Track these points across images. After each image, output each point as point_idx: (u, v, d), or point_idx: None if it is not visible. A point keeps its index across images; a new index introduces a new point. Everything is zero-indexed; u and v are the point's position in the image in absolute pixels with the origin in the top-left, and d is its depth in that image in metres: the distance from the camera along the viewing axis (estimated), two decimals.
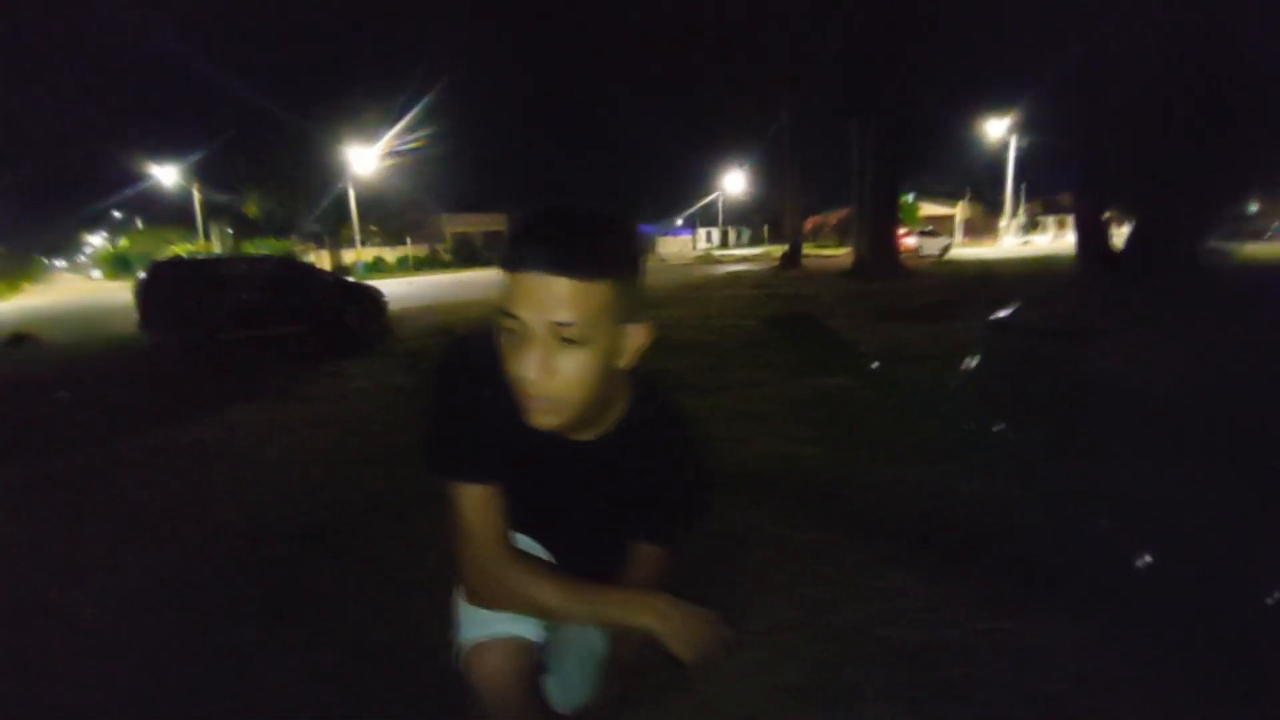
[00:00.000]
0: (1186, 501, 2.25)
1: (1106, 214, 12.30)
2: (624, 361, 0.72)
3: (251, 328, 7.29)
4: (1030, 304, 7.77)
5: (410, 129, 25.26)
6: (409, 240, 32.17)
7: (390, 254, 30.66)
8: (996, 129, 28.54)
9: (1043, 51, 12.21)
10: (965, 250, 25.93)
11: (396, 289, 12.84)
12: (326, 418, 3.95)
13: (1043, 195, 37.04)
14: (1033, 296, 8.45)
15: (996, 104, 25.51)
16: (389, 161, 27.19)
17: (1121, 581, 1.83)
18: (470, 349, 0.79)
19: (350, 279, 9.05)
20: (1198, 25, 9.84)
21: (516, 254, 0.66)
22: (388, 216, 31.15)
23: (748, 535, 2.14)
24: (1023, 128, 26.99)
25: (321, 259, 25.73)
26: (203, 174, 28.59)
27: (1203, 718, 1.31)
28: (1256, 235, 20.59)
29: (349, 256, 27.62)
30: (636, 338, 0.73)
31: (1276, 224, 24.13)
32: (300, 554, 2.16)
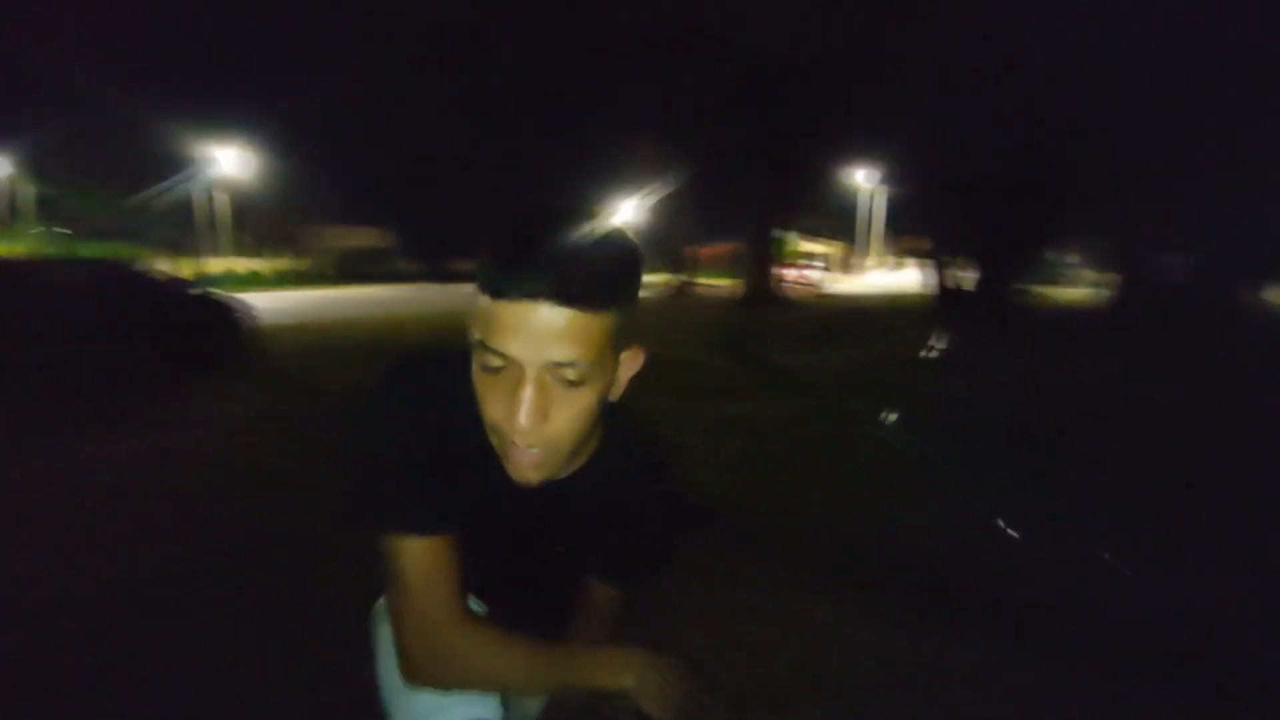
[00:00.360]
0: (1060, 514, 2.49)
1: (956, 258, 13.99)
2: (616, 393, 0.63)
3: (69, 343, 6.19)
4: (894, 335, 8.55)
5: (292, 132, 23.46)
6: (286, 252, 29.75)
7: (265, 265, 28.14)
8: (865, 177, 31.40)
9: (904, 114, 13.95)
10: (838, 286, 28.11)
11: (269, 304, 11.77)
12: (175, 449, 3.46)
13: (904, 238, 41.15)
14: (901, 329, 9.32)
15: (871, 154, 28.07)
16: (267, 166, 25.06)
17: (1007, 593, 1.98)
18: (410, 373, 0.67)
19: (212, 291, 8.06)
20: (1020, 104, 11.87)
21: (505, 278, 0.52)
22: (264, 225, 28.63)
23: None
24: (887, 179, 30.03)
25: (179, 267, 23.08)
26: (38, 165, 24.87)
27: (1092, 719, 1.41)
28: (1065, 281, 24.08)
29: (216, 266, 24.95)
30: (631, 365, 0.63)
31: (1084, 271, 28.76)
32: (128, 619, 1.79)
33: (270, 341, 7.65)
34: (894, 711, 1.44)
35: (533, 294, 0.52)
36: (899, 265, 40.11)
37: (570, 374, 0.54)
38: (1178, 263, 12.58)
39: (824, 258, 41.58)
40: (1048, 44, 11.74)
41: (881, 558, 2.23)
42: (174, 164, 23.72)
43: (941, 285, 13.42)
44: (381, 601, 0.80)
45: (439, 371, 0.66)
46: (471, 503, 0.66)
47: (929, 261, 14.78)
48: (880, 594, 1.94)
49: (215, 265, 24.90)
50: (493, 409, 0.57)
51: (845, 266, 41.71)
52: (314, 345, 7.70)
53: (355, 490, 0.66)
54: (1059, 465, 3.23)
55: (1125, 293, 12.54)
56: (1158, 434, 3.99)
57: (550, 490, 0.68)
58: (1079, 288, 20.34)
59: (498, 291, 0.53)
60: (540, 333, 0.53)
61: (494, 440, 0.60)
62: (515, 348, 0.53)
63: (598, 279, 0.53)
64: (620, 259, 0.56)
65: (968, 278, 13.91)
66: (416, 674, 0.64)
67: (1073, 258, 28.10)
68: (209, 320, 6.96)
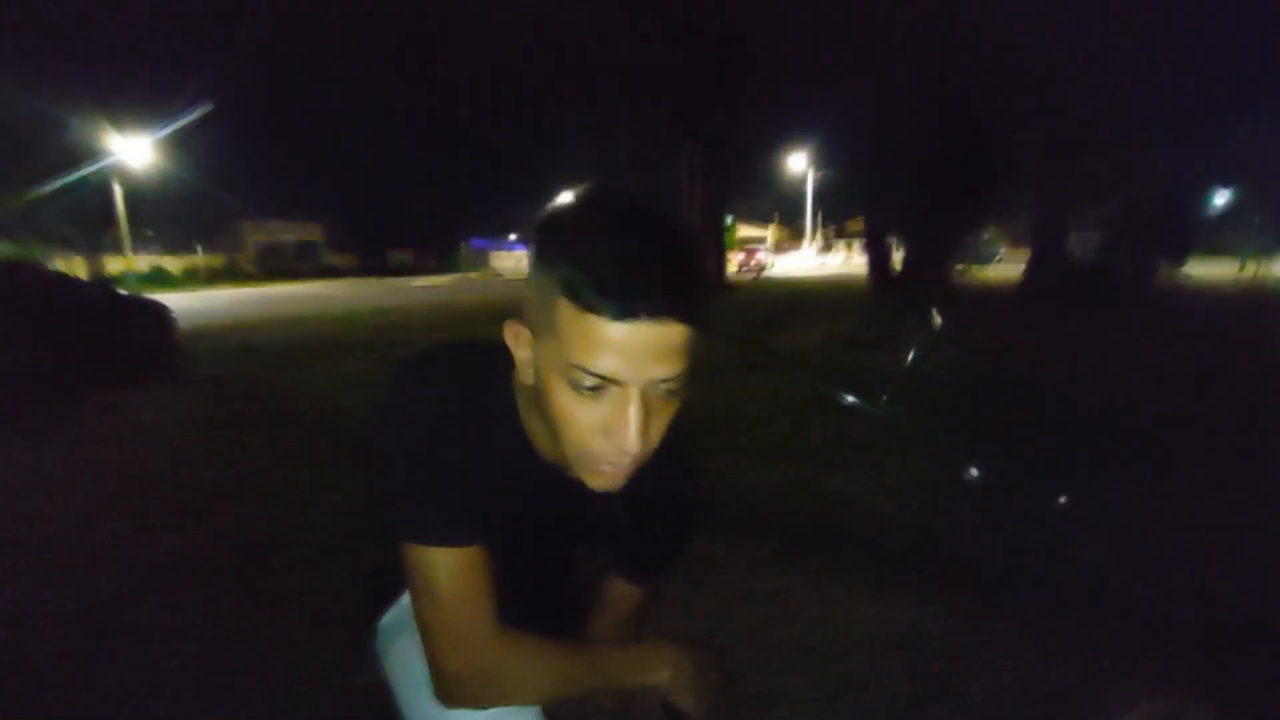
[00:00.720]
0: (1009, 480, 2.65)
1: (889, 240, 14.59)
2: None
3: None
4: (839, 317, 8.84)
5: (204, 118, 21.72)
6: (199, 248, 27.84)
7: (174, 263, 26.27)
8: (800, 161, 32.09)
9: (835, 95, 14.36)
10: (777, 270, 28.75)
11: (185, 304, 11.02)
12: (106, 461, 3.21)
13: (837, 221, 42.45)
14: (841, 310, 9.64)
15: (801, 138, 28.70)
16: (174, 156, 23.23)
17: (973, 558, 2.09)
18: (431, 373, 0.63)
19: (123, 292, 7.47)
20: (946, 88, 12.45)
21: (611, 296, 0.48)
22: (172, 220, 26.65)
23: None
24: (820, 162, 30.84)
25: (74, 266, 21.19)
26: None
27: (1060, 678, 1.51)
28: (989, 260, 25.46)
29: (116, 265, 23.04)
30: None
31: (1002, 251, 30.68)
32: (55, 644, 1.67)
33: (200, 345, 7.19)
34: (878, 681, 1.50)
35: (650, 312, 0.48)
36: (829, 248, 41.39)
37: (671, 387, 0.53)
38: (1090, 239, 13.56)
39: (762, 241, 42.54)
40: (966, 23, 12.33)
41: (845, 530, 2.32)
42: (72, 155, 21.69)
43: (875, 265, 13.96)
44: (391, 618, 0.76)
45: (461, 371, 0.63)
46: (501, 509, 0.63)
47: (862, 243, 15.39)
48: (847, 565, 2.01)
49: (115, 264, 22.95)
50: (581, 430, 0.54)
51: (781, 249, 42.71)
52: (247, 347, 7.28)
53: (380, 500, 0.62)
54: (1009, 429, 3.45)
55: (1038, 268, 13.45)
56: (1084, 400, 4.32)
57: (573, 492, 0.66)
58: (1001, 266, 21.51)
59: (600, 309, 0.49)
60: (647, 350, 0.50)
61: (570, 453, 0.57)
62: (620, 368, 0.50)
63: (698, 290, 0.51)
64: (700, 262, 0.53)
65: (899, 258, 14.55)
66: (455, 693, 0.61)
67: (996, 237, 29.79)
68: (136, 324, 6.46)
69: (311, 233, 31.90)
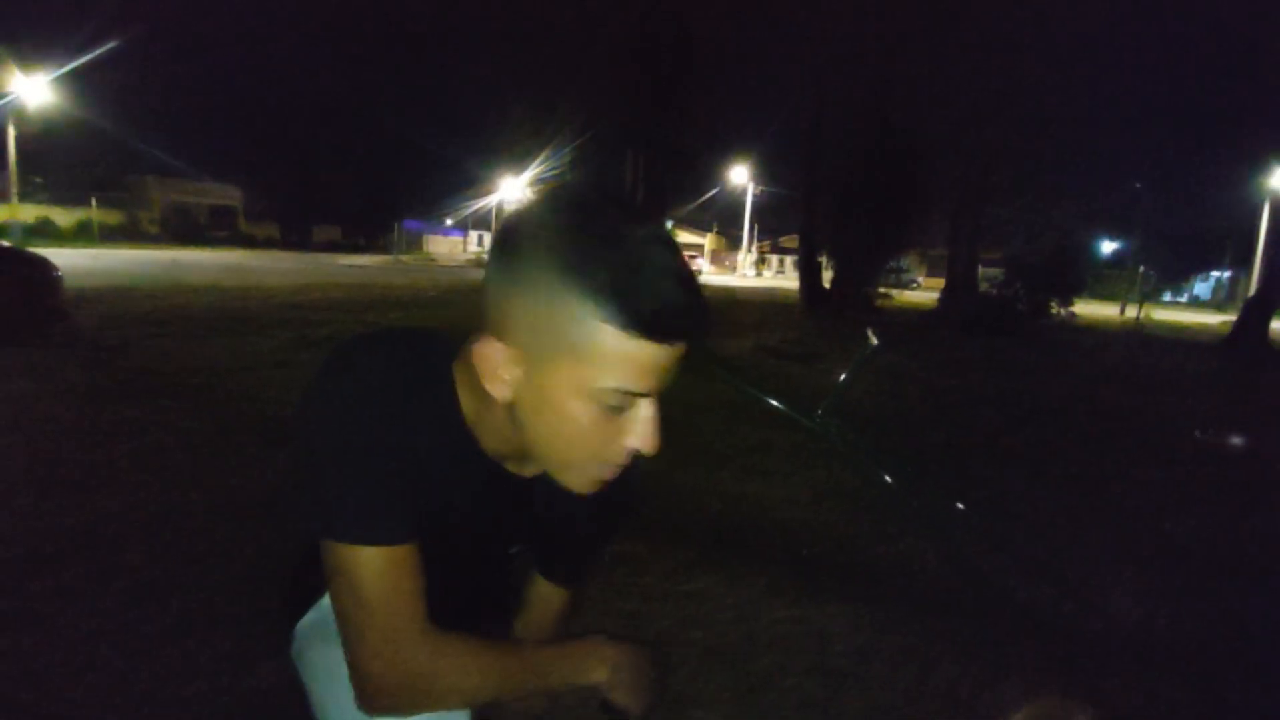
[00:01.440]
0: (916, 490, 2.80)
1: (820, 259, 15.25)
2: None
3: None
4: (768, 328, 9.14)
5: (112, 58, 19.65)
6: (94, 201, 25.33)
7: (65, 216, 23.83)
8: (741, 174, 32.88)
9: (775, 118, 15.25)
10: (713, 278, 29.33)
11: (75, 262, 10.07)
12: None
13: (772, 235, 43.77)
14: (774, 323, 9.97)
15: (745, 150, 29.42)
16: (76, 97, 20.95)
17: (879, 563, 2.20)
18: (365, 360, 0.58)
19: (3, 243, 6.70)
20: (878, 121, 13.59)
21: (663, 320, 0.48)
22: (65, 168, 24.11)
23: None
24: (759, 177, 31.79)
25: None
26: None
27: (962, 672, 1.61)
28: (906, 286, 27.19)
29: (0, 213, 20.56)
30: None
31: (919, 279, 33.07)
32: None
33: (90, 309, 6.56)
34: (787, 680, 1.55)
35: (695, 336, 0.51)
36: (763, 263, 42.65)
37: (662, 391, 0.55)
38: (994, 276, 14.88)
39: (699, 249, 43.31)
40: (896, 71, 13.42)
41: (761, 535, 2.39)
42: None
43: (806, 282, 14.56)
44: (310, 620, 0.71)
45: (398, 358, 0.59)
46: (434, 505, 0.60)
47: (794, 260, 16.16)
48: (762, 569, 2.07)
49: None
50: (596, 444, 0.54)
51: (716, 259, 43.60)
52: (146, 313, 6.70)
53: (303, 492, 0.57)
54: (920, 442, 3.67)
55: (949, 297, 14.67)
56: (985, 413, 4.67)
57: (514, 490, 0.65)
58: (918, 292, 22.99)
59: (654, 336, 0.49)
60: (672, 366, 0.52)
61: (571, 460, 0.56)
62: (657, 385, 0.52)
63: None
64: None
65: (829, 276, 15.27)
66: (381, 701, 0.57)
67: (913, 265, 31.86)
68: (13, 279, 5.77)
69: (229, 197, 29.72)
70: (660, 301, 0.48)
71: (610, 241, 0.49)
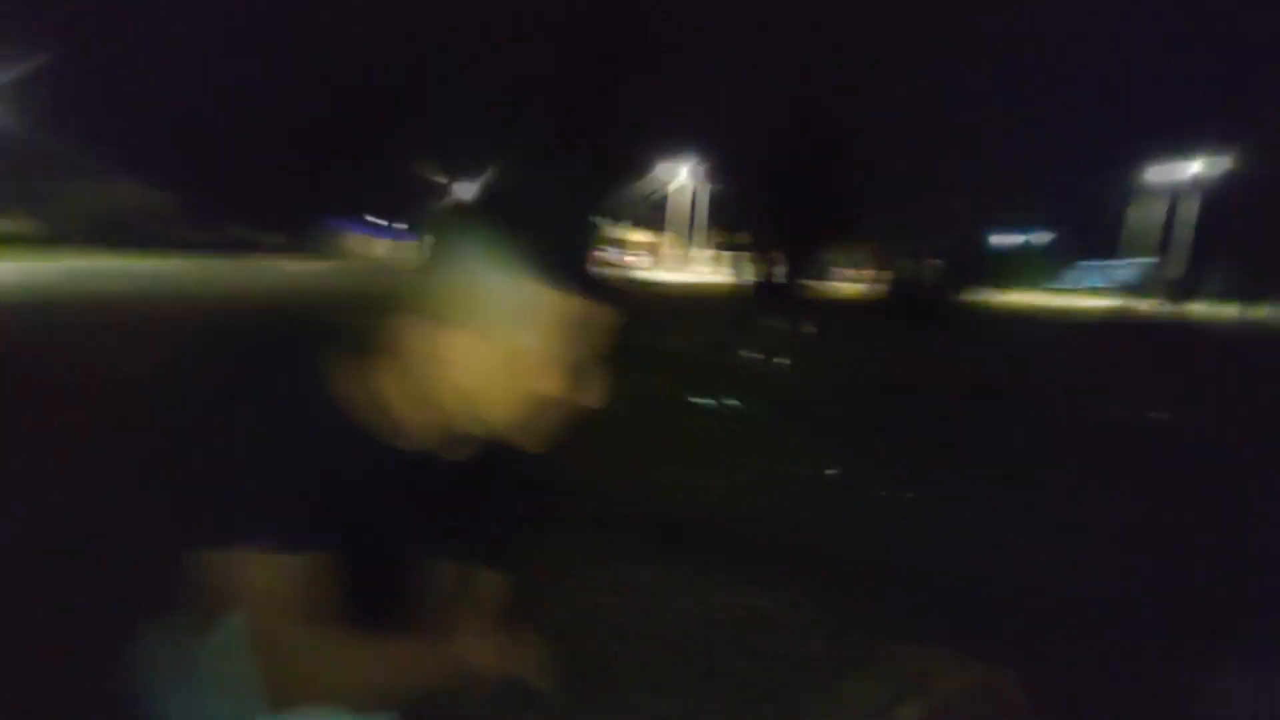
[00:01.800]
0: (856, 476, 2.98)
1: (769, 255, 15.67)
2: None
3: None
4: (712, 323, 9.39)
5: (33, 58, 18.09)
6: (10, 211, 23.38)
7: None
8: (687, 172, 33.24)
9: (720, 120, 15.63)
10: (665, 276, 29.47)
11: None
12: None
13: (728, 231, 44.33)
14: (713, 316, 10.22)
15: (694, 150, 29.81)
16: None
17: (821, 547, 2.35)
18: (258, 361, 0.59)
19: None
20: (816, 126, 14.22)
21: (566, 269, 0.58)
22: None
23: None
24: (709, 175, 32.28)
25: None
26: None
27: (895, 653, 1.75)
28: (842, 278, 28.05)
29: None
30: None
31: (851, 270, 34.45)
32: None
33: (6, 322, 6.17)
34: (733, 663, 1.67)
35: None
36: (714, 257, 43.12)
37: None
38: (928, 267, 15.78)
39: (647, 246, 43.45)
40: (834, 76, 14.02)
41: (698, 523, 2.53)
42: None
43: (765, 282, 15.07)
44: (200, 629, 0.67)
45: (290, 355, 0.59)
46: (335, 500, 0.58)
47: (740, 255, 16.69)
48: (700, 556, 2.21)
49: None
50: (512, 392, 0.61)
51: (668, 258, 43.89)
52: (66, 328, 6.35)
53: (192, 498, 0.58)
54: (857, 429, 3.87)
55: (888, 289, 15.56)
56: (920, 401, 4.95)
57: (427, 478, 0.65)
58: (857, 284, 23.90)
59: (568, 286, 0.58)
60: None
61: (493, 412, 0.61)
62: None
63: None
64: None
65: (773, 271, 15.73)
66: (282, 699, 0.59)
67: (852, 258, 32.97)
68: None
69: (158, 201, 28.00)
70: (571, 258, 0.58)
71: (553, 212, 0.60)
